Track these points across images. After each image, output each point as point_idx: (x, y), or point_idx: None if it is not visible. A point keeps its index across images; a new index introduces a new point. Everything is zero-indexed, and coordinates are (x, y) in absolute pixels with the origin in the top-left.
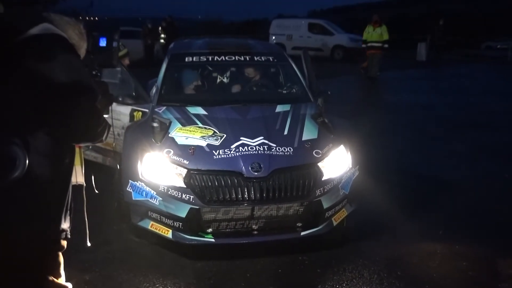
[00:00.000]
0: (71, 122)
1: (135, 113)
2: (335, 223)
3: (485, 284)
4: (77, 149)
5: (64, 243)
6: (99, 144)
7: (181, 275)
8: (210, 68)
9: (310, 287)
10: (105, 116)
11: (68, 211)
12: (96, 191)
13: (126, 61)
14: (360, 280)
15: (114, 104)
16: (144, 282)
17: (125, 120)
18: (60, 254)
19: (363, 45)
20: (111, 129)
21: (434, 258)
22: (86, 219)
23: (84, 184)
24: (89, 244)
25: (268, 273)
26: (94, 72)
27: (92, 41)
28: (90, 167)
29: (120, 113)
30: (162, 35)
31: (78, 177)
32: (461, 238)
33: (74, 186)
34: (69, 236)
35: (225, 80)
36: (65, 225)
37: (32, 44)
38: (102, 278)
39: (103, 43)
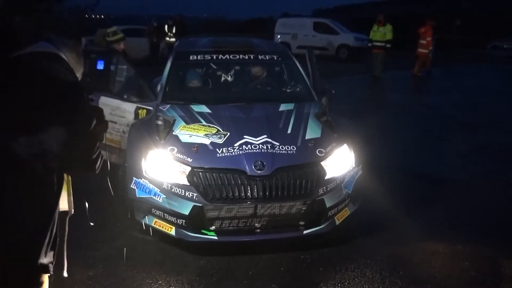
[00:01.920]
0: (63, 147)
1: (139, 111)
2: (337, 222)
3: (487, 284)
4: (68, 176)
5: (43, 278)
6: (111, 142)
7: (184, 272)
8: (214, 66)
9: (312, 285)
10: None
11: (51, 245)
12: (91, 223)
13: (121, 46)
14: (362, 279)
15: (119, 102)
16: (147, 278)
17: (130, 117)
18: None
19: (369, 44)
20: (120, 128)
21: (437, 257)
22: (65, 249)
23: (70, 212)
24: (66, 274)
25: (271, 271)
26: (89, 96)
27: (90, 64)
28: (79, 192)
29: (126, 111)
30: (169, 33)
31: (63, 204)
32: (464, 238)
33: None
34: (51, 272)
35: (229, 78)
36: (46, 259)
37: (30, 60)
38: (106, 274)
39: (100, 66)
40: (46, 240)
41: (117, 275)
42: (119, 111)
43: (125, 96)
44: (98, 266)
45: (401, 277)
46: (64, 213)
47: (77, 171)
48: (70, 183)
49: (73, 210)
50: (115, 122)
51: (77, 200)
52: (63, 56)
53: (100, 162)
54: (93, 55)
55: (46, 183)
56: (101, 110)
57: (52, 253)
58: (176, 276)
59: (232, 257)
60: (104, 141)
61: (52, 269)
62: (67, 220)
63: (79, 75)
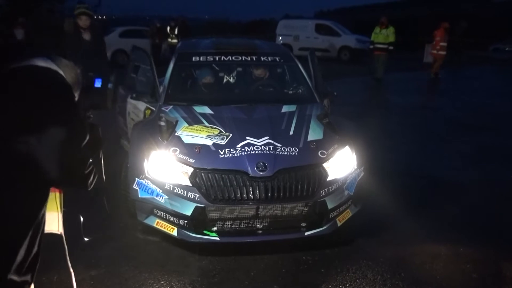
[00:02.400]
0: (52, 160)
1: (146, 111)
2: (339, 224)
3: (489, 287)
4: (56, 194)
5: None
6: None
7: (186, 272)
8: (217, 68)
9: (314, 286)
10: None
11: (27, 265)
12: (85, 239)
13: (84, 22)
14: (363, 281)
15: (136, 101)
16: (149, 279)
17: (141, 116)
18: None
19: (370, 46)
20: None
21: (438, 259)
22: (70, 268)
23: (59, 232)
24: None
25: (272, 272)
26: (87, 114)
27: (87, 82)
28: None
29: (139, 110)
30: (171, 35)
31: (53, 225)
32: (465, 240)
33: (54, 235)
34: None
35: (231, 80)
36: (18, 277)
37: (25, 73)
38: (108, 274)
39: (98, 84)
40: (19, 257)
41: (119, 275)
42: (136, 110)
43: (133, 95)
44: (101, 266)
45: (402, 279)
46: (59, 235)
47: (67, 185)
48: (62, 201)
49: (62, 231)
50: (133, 120)
51: (71, 216)
52: (61, 73)
53: (94, 179)
54: (91, 73)
55: (27, 195)
56: (97, 127)
57: (29, 275)
58: (178, 276)
59: (233, 258)
60: (101, 156)
61: None
62: (64, 240)
63: (76, 94)
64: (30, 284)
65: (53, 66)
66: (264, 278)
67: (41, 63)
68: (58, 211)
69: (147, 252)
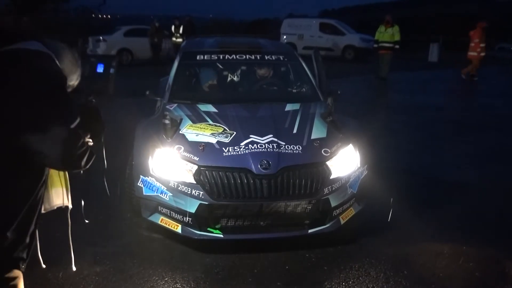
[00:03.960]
0: (40, 143)
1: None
2: (342, 222)
3: (491, 286)
4: (62, 172)
5: (15, 273)
6: None
7: (189, 269)
8: (221, 66)
9: (317, 284)
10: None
11: (25, 242)
12: (86, 221)
13: None
14: (366, 279)
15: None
16: (154, 275)
17: None
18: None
19: (375, 45)
20: None
21: (441, 258)
22: (70, 243)
23: (69, 207)
24: (74, 268)
25: (275, 269)
26: (89, 98)
27: (90, 67)
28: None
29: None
30: (176, 34)
31: (59, 199)
32: (468, 239)
33: (58, 209)
34: (21, 269)
35: (235, 78)
36: (17, 253)
37: (16, 56)
38: (113, 270)
39: (100, 69)
40: (14, 233)
41: (124, 271)
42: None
43: (147, 93)
44: (106, 263)
45: (405, 277)
46: (65, 208)
47: (59, 167)
48: (68, 179)
49: (71, 205)
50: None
51: (74, 199)
52: (53, 56)
53: (88, 160)
54: (93, 58)
55: (20, 175)
56: (98, 112)
57: (25, 251)
58: (182, 273)
59: (237, 256)
60: (102, 141)
61: (23, 267)
62: (69, 215)
63: (75, 76)
64: (25, 260)
65: (43, 49)
66: (267, 275)
67: (31, 46)
68: (62, 186)
69: (151, 249)
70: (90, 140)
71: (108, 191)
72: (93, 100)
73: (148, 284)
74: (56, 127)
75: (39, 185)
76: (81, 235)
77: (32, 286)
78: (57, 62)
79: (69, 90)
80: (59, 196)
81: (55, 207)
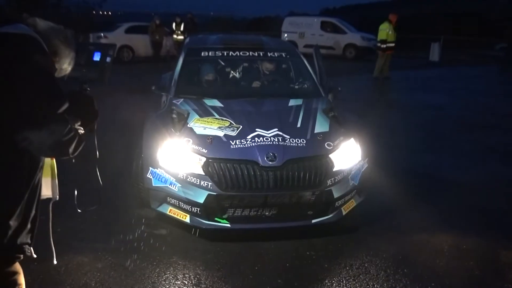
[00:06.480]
0: (26, 129)
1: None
2: (344, 212)
3: (491, 284)
4: (49, 160)
5: (16, 268)
6: None
7: (190, 265)
8: (225, 62)
9: (317, 281)
10: (82, 131)
11: (28, 228)
12: (79, 210)
13: None
14: (366, 276)
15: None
16: (155, 271)
17: None
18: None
19: (383, 46)
20: None
21: (441, 256)
22: (51, 235)
23: (53, 198)
24: (55, 262)
25: (276, 266)
26: (84, 86)
27: (87, 55)
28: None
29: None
30: (177, 31)
31: (48, 190)
32: (469, 237)
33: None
34: (27, 253)
35: (238, 75)
36: (21, 238)
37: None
38: (114, 266)
39: (97, 57)
40: (17, 220)
41: (125, 267)
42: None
43: (153, 88)
44: (107, 259)
45: (405, 275)
46: (48, 199)
47: (46, 153)
48: (55, 168)
49: (57, 196)
50: None
51: (67, 189)
52: (38, 39)
53: (76, 147)
54: (92, 46)
55: (12, 163)
56: (92, 99)
57: (29, 235)
58: (183, 269)
59: (238, 252)
60: (95, 129)
61: (29, 252)
62: (51, 206)
63: (68, 60)
64: (30, 245)
65: (27, 32)
66: (268, 272)
67: (15, 30)
68: (52, 177)
69: (152, 245)
70: (81, 128)
71: (100, 180)
72: (88, 89)
73: (149, 280)
74: (40, 113)
75: (38, 169)
76: (81, 231)
77: (34, 281)
78: (43, 45)
79: (61, 74)
80: (48, 186)
81: (45, 197)
